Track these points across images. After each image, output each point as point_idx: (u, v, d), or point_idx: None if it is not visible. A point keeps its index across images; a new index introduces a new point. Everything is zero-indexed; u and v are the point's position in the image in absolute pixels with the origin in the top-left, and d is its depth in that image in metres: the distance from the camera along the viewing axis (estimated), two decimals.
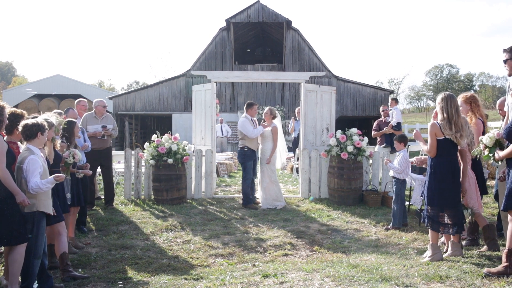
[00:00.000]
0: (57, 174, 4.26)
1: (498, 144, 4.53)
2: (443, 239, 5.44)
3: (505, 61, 5.00)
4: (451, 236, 5.05)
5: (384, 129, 10.36)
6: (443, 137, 4.81)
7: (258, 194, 8.78)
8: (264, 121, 8.84)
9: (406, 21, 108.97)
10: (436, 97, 5.10)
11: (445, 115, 4.82)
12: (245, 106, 8.86)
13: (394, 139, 7.32)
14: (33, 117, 4.66)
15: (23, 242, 4.08)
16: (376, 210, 8.00)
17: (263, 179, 8.51)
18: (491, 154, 4.58)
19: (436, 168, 4.89)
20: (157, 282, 4.43)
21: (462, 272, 4.30)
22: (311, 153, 9.32)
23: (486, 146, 4.60)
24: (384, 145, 10.35)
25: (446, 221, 4.89)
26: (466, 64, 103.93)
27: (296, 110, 12.73)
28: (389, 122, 10.42)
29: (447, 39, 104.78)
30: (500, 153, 4.45)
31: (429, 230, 5.08)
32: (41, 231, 4.26)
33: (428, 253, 5.01)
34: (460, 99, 5.64)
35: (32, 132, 4.26)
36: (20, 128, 4.27)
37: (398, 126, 10.37)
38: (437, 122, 4.87)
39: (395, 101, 10.86)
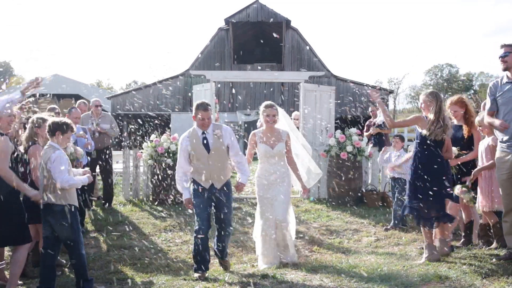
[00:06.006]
0: (89, 175, 4.43)
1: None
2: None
3: (503, 56, 4.87)
4: (438, 233, 5.01)
5: (370, 130, 10.29)
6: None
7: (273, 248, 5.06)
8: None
9: (406, 20, 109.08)
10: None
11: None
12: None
13: (394, 137, 7.29)
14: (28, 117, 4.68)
15: (26, 243, 4.09)
16: (376, 210, 7.99)
17: (287, 218, 5.10)
18: None
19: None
20: (156, 283, 4.41)
21: (462, 273, 4.28)
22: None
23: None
24: (372, 145, 10.24)
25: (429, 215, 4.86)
26: (466, 64, 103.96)
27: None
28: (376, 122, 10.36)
29: (447, 38, 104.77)
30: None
31: (422, 229, 5.05)
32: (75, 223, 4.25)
33: (425, 254, 4.99)
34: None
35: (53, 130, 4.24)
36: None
37: (385, 125, 10.18)
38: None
39: (382, 99, 10.41)
